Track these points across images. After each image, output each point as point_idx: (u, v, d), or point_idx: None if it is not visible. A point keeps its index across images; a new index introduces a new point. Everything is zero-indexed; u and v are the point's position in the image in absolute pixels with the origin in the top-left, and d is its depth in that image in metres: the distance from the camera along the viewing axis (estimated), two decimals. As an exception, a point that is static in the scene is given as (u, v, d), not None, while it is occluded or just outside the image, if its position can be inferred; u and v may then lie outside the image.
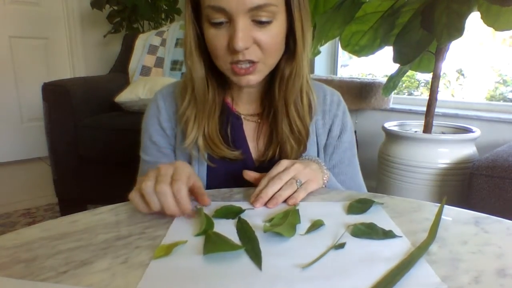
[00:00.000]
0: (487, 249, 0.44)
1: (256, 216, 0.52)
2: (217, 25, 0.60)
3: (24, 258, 0.42)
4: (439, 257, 0.42)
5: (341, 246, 0.43)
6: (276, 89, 0.69)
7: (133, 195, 0.53)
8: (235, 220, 0.51)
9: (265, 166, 0.72)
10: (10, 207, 2.06)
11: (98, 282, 0.37)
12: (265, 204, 0.56)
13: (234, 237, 0.46)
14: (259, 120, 0.75)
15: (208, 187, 0.71)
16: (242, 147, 0.72)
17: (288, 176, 0.59)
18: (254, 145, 0.74)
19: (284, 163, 0.61)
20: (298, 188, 0.59)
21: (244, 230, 0.48)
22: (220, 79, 0.71)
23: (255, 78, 0.64)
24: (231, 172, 0.71)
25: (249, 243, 0.44)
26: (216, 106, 0.70)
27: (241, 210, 0.54)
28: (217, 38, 0.61)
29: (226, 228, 0.48)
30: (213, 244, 0.43)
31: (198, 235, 0.47)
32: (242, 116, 0.75)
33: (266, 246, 0.43)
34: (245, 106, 0.75)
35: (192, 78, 0.67)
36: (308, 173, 0.61)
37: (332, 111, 0.77)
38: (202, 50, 0.66)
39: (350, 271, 0.39)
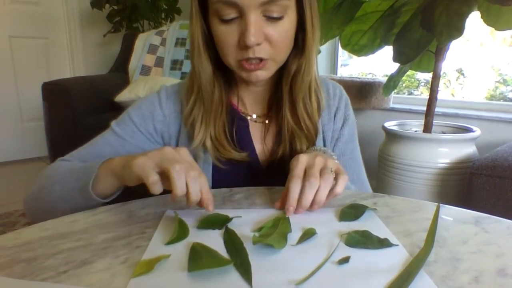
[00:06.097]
0: (487, 249, 0.44)
1: (244, 225, 0.50)
2: (228, 21, 0.59)
3: (24, 258, 0.42)
4: (439, 257, 0.42)
5: (345, 260, 0.41)
6: (284, 85, 0.69)
7: (151, 172, 0.48)
8: (222, 231, 0.48)
9: (274, 166, 0.71)
10: (10, 207, 2.06)
11: (98, 282, 0.37)
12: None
13: (221, 249, 0.43)
14: (266, 121, 0.74)
15: (213, 187, 0.71)
16: (248, 149, 0.72)
17: (318, 171, 0.53)
18: (261, 146, 0.73)
19: (303, 158, 0.55)
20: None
21: (232, 241, 0.45)
22: (227, 78, 0.70)
23: (265, 74, 0.64)
24: (237, 174, 0.71)
25: (238, 256, 0.41)
26: (223, 106, 0.69)
27: (227, 219, 0.51)
28: (227, 34, 0.60)
29: (212, 240, 0.45)
30: (199, 259, 0.40)
31: (169, 243, 0.44)
32: (249, 118, 0.74)
33: (256, 259, 0.41)
34: (251, 106, 0.74)
35: (199, 76, 0.66)
36: (333, 161, 0.56)
37: (335, 105, 0.77)
38: (209, 47, 0.65)
39: (348, 286, 0.37)
